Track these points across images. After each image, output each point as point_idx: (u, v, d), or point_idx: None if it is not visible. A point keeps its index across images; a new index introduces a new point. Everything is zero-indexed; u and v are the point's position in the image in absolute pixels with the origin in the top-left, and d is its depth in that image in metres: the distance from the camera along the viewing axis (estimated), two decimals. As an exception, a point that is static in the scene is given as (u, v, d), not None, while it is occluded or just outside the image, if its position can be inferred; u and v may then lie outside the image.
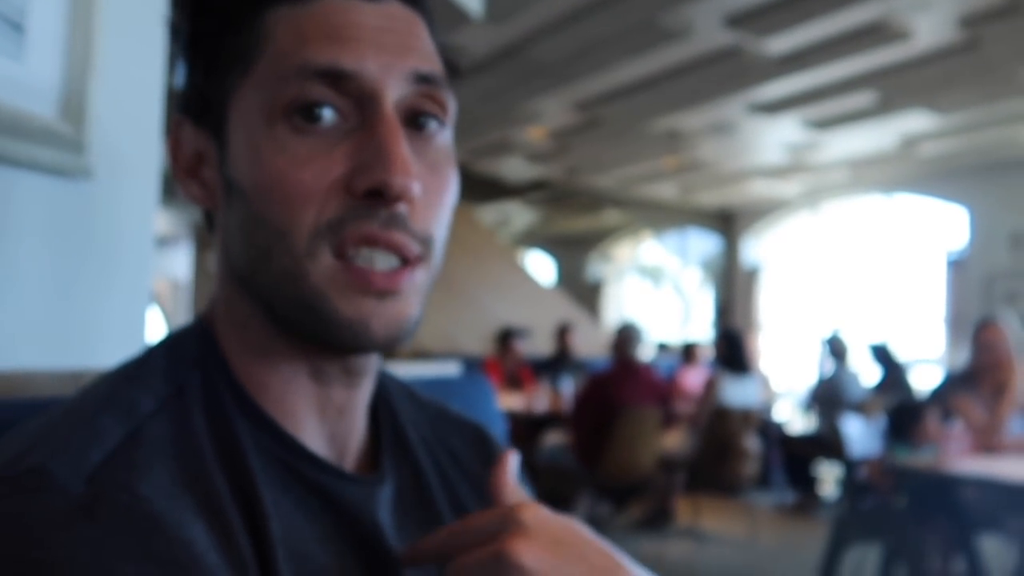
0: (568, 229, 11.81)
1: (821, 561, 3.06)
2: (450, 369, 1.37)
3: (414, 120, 0.49)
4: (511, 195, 9.24)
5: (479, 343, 6.85)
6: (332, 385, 0.51)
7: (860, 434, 3.47)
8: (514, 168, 8.05)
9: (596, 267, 12.29)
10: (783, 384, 7.08)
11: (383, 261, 0.46)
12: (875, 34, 4.46)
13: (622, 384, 4.14)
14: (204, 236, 8.48)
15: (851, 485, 3.24)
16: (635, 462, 4.11)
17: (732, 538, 4.59)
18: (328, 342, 0.47)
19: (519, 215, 10.90)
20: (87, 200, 0.87)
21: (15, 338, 0.81)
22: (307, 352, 0.49)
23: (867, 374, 5.58)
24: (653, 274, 11.84)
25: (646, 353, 4.53)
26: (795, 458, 5.44)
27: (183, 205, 6.77)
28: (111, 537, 0.37)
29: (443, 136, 0.51)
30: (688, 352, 6.07)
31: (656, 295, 11.76)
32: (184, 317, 8.02)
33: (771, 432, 5.51)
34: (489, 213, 10.32)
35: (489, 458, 0.65)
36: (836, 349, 5.51)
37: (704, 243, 10.46)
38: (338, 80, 0.45)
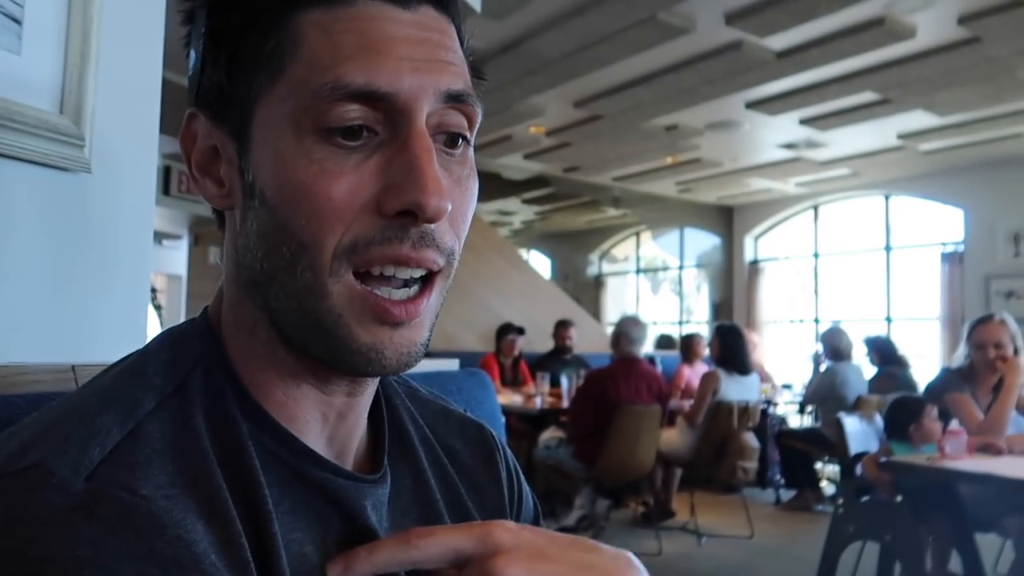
0: (567, 226, 11.82)
1: (819, 558, 3.06)
2: (449, 366, 1.37)
3: (443, 135, 0.48)
4: (511, 192, 9.24)
5: (478, 340, 6.85)
6: (335, 394, 0.51)
7: (858, 431, 3.47)
8: (514, 165, 8.05)
9: (595, 264, 12.30)
10: (781, 381, 7.08)
11: (400, 290, 0.47)
12: (876, 32, 4.46)
13: (621, 381, 4.15)
14: (201, 232, 8.49)
15: (849, 482, 3.24)
16: (634, 459, 4.12)
17: (730, 535, 4.59)
18: (339, 367, 0.48)
19: (518, 212, 10.90)
20: (85, 194, 0.87)
21: (14, 332, 0.81)
22: (311, 365, 0.49)
23: (865, 370, 5.58)
24: (652, 271, 11.85)
25: (647, 347, 4.53)
26: (793, 455, 5.45)
27: (181, 200, 6.77)
28: (111, 536, 0.37)
29: (466, 148, 0.50)
30: (687, 345, 6.07)
31: (655, 292, 11.77)
32: (180, 312, 8.02)
33: (769, 429, 5.51)
34: (488, 210, 10.32)
35: (490, 457, 0.65)
36: (833, 345, 5.51)
37: (703, 240, 10.47)
38: (375, 101, 0.45)
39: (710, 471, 4.57)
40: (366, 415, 0.55)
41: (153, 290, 8.46)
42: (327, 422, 0.52)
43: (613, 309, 11.80)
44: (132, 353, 0.50)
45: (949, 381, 3.15)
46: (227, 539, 0.41)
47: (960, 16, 4.32)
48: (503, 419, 1.17)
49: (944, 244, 8.11)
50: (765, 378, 6.28)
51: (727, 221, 10.16)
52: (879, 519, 2.90)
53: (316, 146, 0.45)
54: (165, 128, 0.91)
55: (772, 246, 9.94)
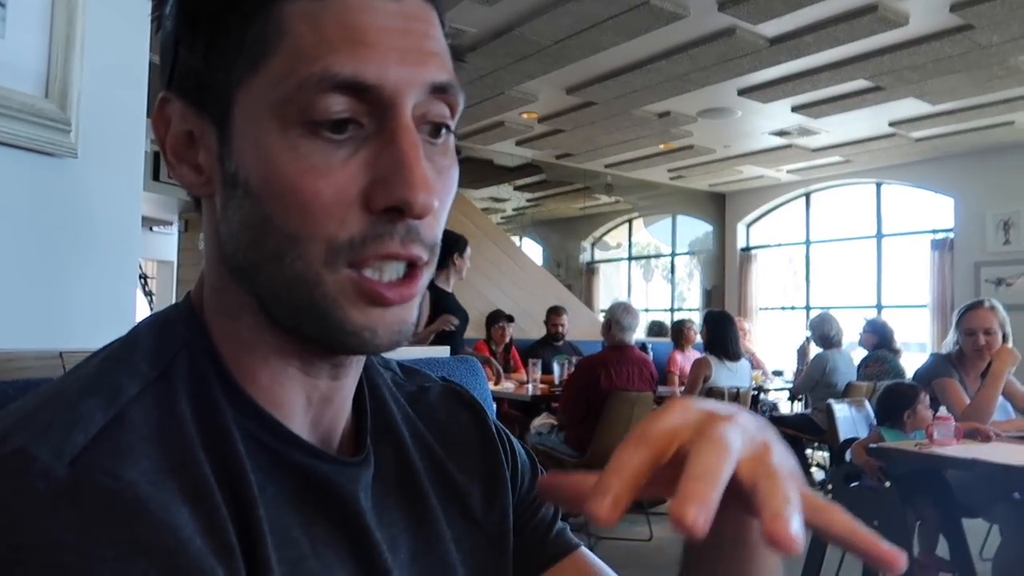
0: (560, 213, 11.81)
1: (807, 543, 3.09)
2: (440, 352, 1.37)
3: (428, 125, 0.48)
4: (503, 178, 9.22)
5: (470, 327, 6.85)
6: (320, 376, 0.51)
7: (848, 417, 3.49)
8: (506, 151, 8.03)
9: (587, 251, 12.30)
10: (772, 367, 7.12)
11: (392, 271, 0.47)
12: (868, 18, 4.45)
13: (613, 367, 4.16)
14: (191, 218, 8.45)
15: (838, 468, 3.27)
16: (625, 445, 4.13)
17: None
18: (332, 347, 0.48)
19: (510, 199, 10.89)
20: (72, 180, 0.86)
21: (0, 319, 0.80)
22: (298, 347, 0.49)
23: (854, 357, 5.62)
24: (644, 258, 11.86)
25: (639, 334, 4.54)
26: (783, 440, 5.48)
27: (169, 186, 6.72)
28: (95, 521, 0.37)
29: (451, 138, 0.50)
30: (679, 332, 6.09)
31: (647, 279, 11.79)
32: (171, 298, 7.98)
33: (759, 415, 5.54)
34: (480, 196, 10.30)
35: (474, 421, 0.66)
36: (822, 333, 5.54)
37: (695, 228, 10.48)
38: (359, 91, 0.44)
39: (701, 457, 4.58)
40: (351, 398, 0.55)
41: (144, 276, 8.43)
42: (312, 406, 0.51)
43: (605, 296, 11.81)
44: (116, 339, 0.50)
45: (938, 366, 3.17)
46: (212, 524, 0.41)
47: (952, 3, 4.32)
48: (495, 406, 1.18)
49: (935, 232, 8.14)
50: (756, 365, 6.31)
51: (719, 208, 10.18)
52: (867, 504, 2.93)
53: (302, 140, 0.44)
54: (152, 112, 0.90)
55: (764, 233, 9.96)
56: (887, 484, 2.85)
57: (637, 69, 5.44)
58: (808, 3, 4.26)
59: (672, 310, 10.98)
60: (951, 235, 7.92)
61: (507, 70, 5.41)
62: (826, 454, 5.60)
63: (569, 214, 11.82)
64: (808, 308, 9.22)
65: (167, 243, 8.63)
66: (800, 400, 6.33)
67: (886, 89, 5.71)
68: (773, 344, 8.72)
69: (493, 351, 5.91)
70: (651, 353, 5.39)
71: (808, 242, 9.41)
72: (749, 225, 10.05)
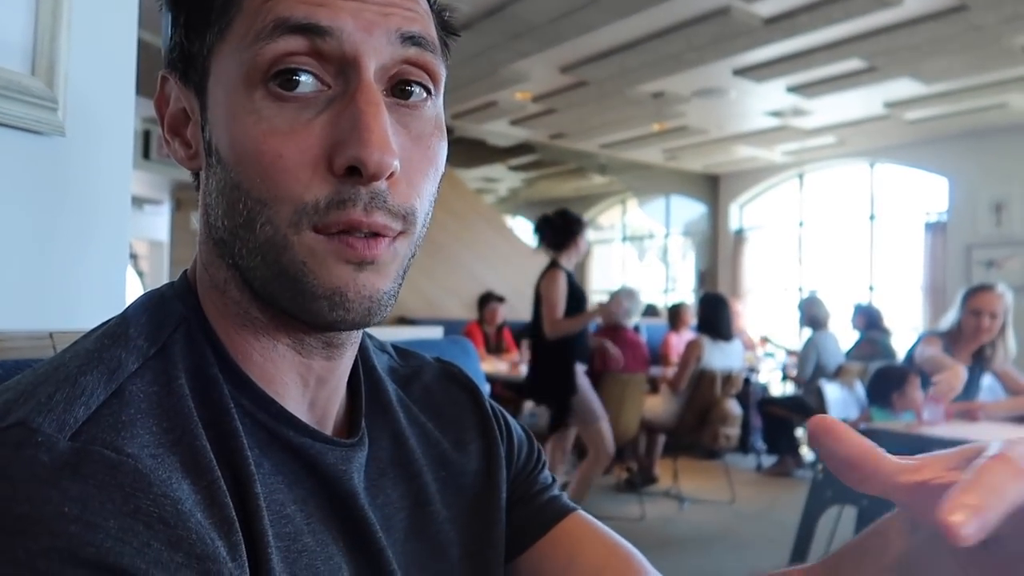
0: (553, 193, 11.78)
1: (798, 522, 3.12)
2: (433, 334, 1.37)
3: (399, 88, 0.47)
4: (496, 159, 9.18)
5: (463, 308, 6.86)
6: (313, 356, 0.51)
7: (839, 398, 3.52)
8: (499, 131, 7.99)
9: (581, 232, 12.28)
10: (765, 349, 7.15)
11: (360, 234, 0.46)
12: (863, -2, 4.43)
13: (607, 350, 4.17)
14: (183, 197, 8.39)
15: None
16: (618, 426, 4.16)
17: (712, 500, 4.67)
18: (303, 316, 0.47)
19: (504, 179, 10.85)
20: (60, 158, 0.85)
21: (-11, 299, 0.80)
22: (285, 322, 0.49)
23: (845, 338, 5.65)
24: (638, 239, 11.86)
25: (637, 317, 4.56)
26: (775, 422, 5.53)
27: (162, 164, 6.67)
28: (97, 493, 0.37)
29: (431, 105, 0.49)
30: (675, 314, 6.11)
31: (641, 261, 11.80)
32: (162, 278, 7.95)
33: (752, 396, 5.58)
34: (473, 177, 10.26)
35: (469, 399, 0.66)
36: (811, 314, 5.56)
37: (689, 208, 10.47)
38: (316, 38, 0.44)
39: (693, 437, 4.63)
40: (346, 380, 0.55)
41: (133, 256, 8.39)
42: (307, 387, 0.52)
43: (599, 277, 11.82)
44: (114, 316, 0.50)
45: (928, 339, 3.18)
46: (212, 498, 0.42)
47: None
48: (488, 387, 1.18)
49: (928, 214, 8.16)
50: (749, 345, 6.34)
51: (713, 189, 10.17)
52: (857, 484, 2.95)
53: (265, 101, 0.44)
54: (142, 90, 0.89)
55: (757, 214, 9.96)
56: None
57: (631, 48, 5.41)
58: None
59: (666, 291, 11.00)
60: (944, 218, 7.94)
61: (500, 49, 5.37)
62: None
63: (563, 194, 11.79)
64: (801, 290, 9.25)
65: (158, 223, 8.58)
66: (791, 381, 6.36)
67: (880, 69, 5.70)
68: (766, 325, 8.74)
69: (486, 332, 5.92)
70: (645, 334, 5.41)
71: (801, 223, 9.42)
72: (743, 206, 10.05)
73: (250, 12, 0.45)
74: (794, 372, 5.92)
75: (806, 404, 5.25)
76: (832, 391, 3.56)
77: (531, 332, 3.76)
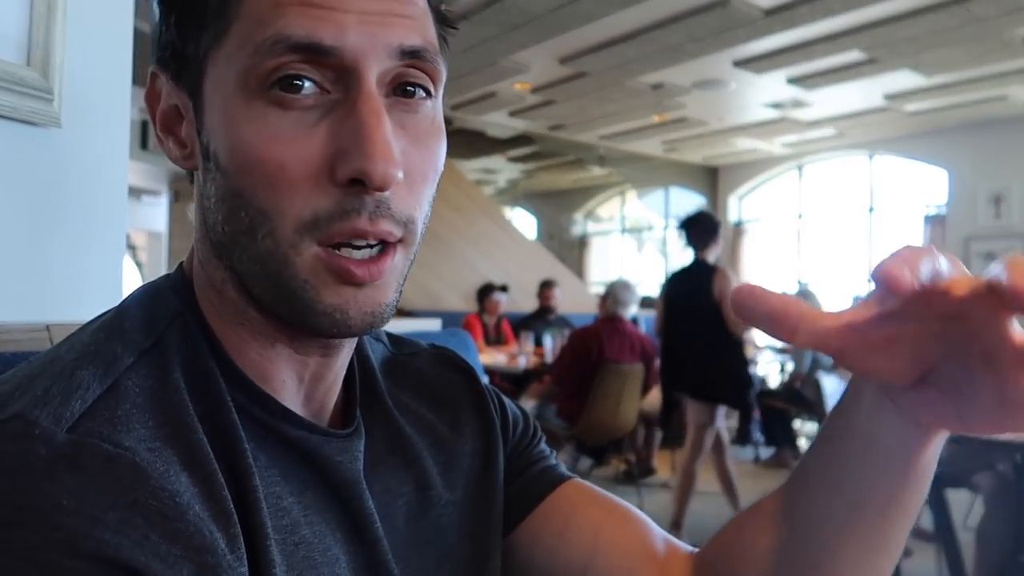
0: (552, 185, 11.76)
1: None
2: (431, 326, 1.37)
3: (400, 87, 0.46)
4: (495, 150, 9.16)
5: (462, 300, 6.86)
6: (310, 355, 0.51)
7: (837, 391, 3.52)
8: (498, 122, 7.97)
9: (580, 223, 12.29)
10: (762, 340, 7.16)
11: (362, 251, 0.45)
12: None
13: (606, 339, 4.17)
14: (181, 188, 8.38)
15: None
16: (616, 418, 4.16)
17: (709, 492, 4.68)
18: (304, 327, 0.47)
19: (503, 170, 10.83)
20: (56, 150, 0.84)
21: (-15, 291, 0.80)
22: (282, 324, 0.49)
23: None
24: (637, 231, 11.85)
25: (634, 309, 4.56)
26: (773, 414, 5.54)
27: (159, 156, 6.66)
28: (95, 485, 0.37)
29: (431, 105, 0.48)
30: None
31: (639, 252, 11.80)
32: (161, 269, 7.95)
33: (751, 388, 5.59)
34: (472, 168, 10.24)
35: (463, 383, 0.66)
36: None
37: (688, 200, 10.47)
38: (317, 55, 0.43)
39: (691, 429, 4.63)
40: (343, 375, 0.55)
41: (132, 247, 8.38)
42: (303, 383, 0.51)
43: (598, 269, 11.83)
44: (110, 309, 0.50)
45: None
46: (209, 491, 0.42)
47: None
48: (487, 378, 1.18)
49: (927, 206, 8.16)
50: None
51: (712, 181, 10.16)
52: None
53: (265, 109, 0.44)
54: (138, 80, 0.89)
55: (757, 206, 9.96)
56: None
57: (630, 39, 5.39)
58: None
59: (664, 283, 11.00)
60: (944, 210, 7.94)
61: (499, 39, 5.35)
62: (815, 426, 5.66)
63: (562, 186, 11.78)
64: (799, 282, 9.25)
65: (157, 213, 8.57)
66: (786, 373, 6.37)
67: (880, 61, 5.69)
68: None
69: (485, 323, 5.92)
70: (643, 326, 5.41)
71: (800, 216, 9.42)
72: (742, 198, 10.04)
73: (249, 20, 0.44)
74: (791, 366, 5.93)
75: (804, 396, 5.26)
76: (829, 384, 3.57)
77: (695, 332, 3.67)
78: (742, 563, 0.56)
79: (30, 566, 0.34)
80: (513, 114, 7.64)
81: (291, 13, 0.43)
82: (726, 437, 3.86)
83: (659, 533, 0.63)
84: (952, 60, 5.63)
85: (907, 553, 2.92)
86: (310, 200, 0.44)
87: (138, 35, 0.94)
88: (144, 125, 6.58)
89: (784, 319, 0.36)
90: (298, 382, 0.51)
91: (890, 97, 6.70)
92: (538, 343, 5.26)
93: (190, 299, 0.50)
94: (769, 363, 6.59)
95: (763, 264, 9.76)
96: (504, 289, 6.06)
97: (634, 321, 4.75)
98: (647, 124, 7.97)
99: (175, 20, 0.47)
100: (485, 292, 6.00)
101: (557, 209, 12.27)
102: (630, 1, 4.68)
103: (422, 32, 0.47)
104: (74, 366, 0.42)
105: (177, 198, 8.63)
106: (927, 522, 2.95)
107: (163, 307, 0.49)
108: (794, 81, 6.27)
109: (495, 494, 0.62)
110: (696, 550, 0.62)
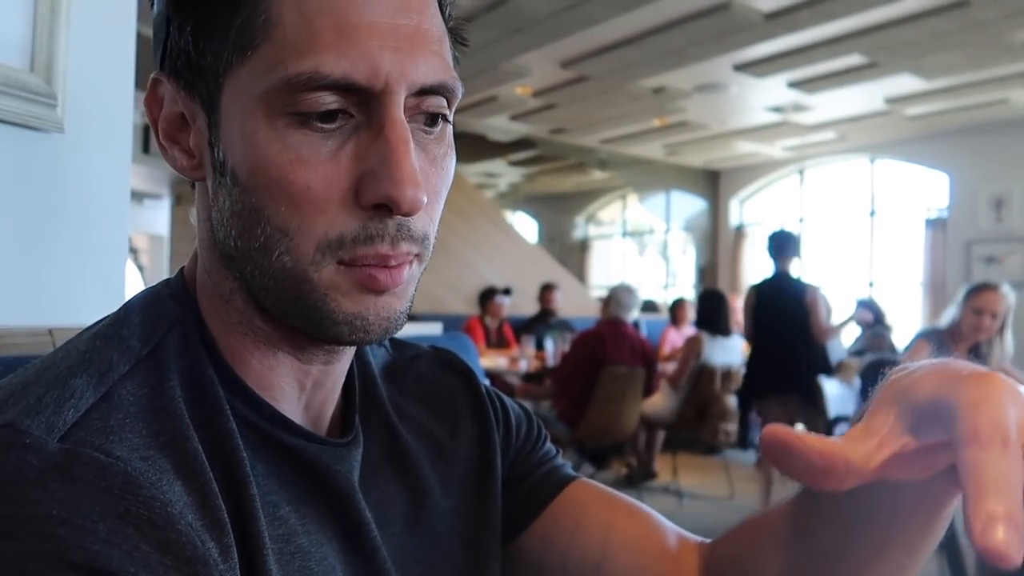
0: (554, 188, 11.77)
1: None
2: (433, 329, 1.37)
3: (422, 115, 0.47)
4: (496, 154, 9.17)
5: (463, 303, 6.85)
6: (313, 362, 0.51)
7: (837, 394, 3.52)
8: (499, 126, 7.97)
9: (581, 227, 12.29)
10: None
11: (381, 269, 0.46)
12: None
13: (608, 341, 4.17)
14: (183, 191, 8.38)
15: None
16: (617, 422, 4.16)
17: (711, 495, 4.68)
18: (323, 337, 0.47)
19: (504, 174, 10.84)
20: (59, 155, 0.85)
21: (-12, 295, 0.80)
22: (289, 333, 0.49)
23: (848, 335, 5.64)
24: (638, 235, 11.85)
25: (635, 313, 4.57)
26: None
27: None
28: (86, 495, 0.37)
29: (445, 125, 0.49)
30: (676, 311, 6.10)
31: (641, 256, 11.80)
32: (163, 272, 7.95)
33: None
34: (474, 172, 10.25)
35: (463, 386, 0.66)
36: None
37: (690, 204, 10.47)
38: (349, 90, 0.43)
39: (692, 433, 4.63)
40: (342, 381, 0.55)
41: (134, 250, 8.38)
42: (304, 390, 0.51)
43: (599, 272, 11.82)
44: (108, 315, 0.49)
45: (927, 338, 3.18)
46: (204, 500, 0.41)
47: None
48: (488, 382, 1.18)
49: (928, 210, 8.15)
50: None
51: (713, 185, 10.16)
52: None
53: (289, 130, 0.43)
54: (140, 84, 0.89)
55: (758, 210, 9.95)
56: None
57: (632, 43, 5.40)
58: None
59: (666, 287, 11.00)
60: (945, 214, 7.93)
61: (500, 43, 5.36)
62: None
63: (563, 190, 11.78)
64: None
65: (159, 217, 8.57)
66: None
67: (881, 65, 5.69)
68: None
69: (487, 326, 5.91)
70: (644, 330, 5.41)
71: (801, 219, 9.42)
72: (743, 202, 10.04)
73: (281, 45, 0.43)
74: None
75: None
76: (830, 387, 3.56)
77: (788, 337, 4.03)
78: None
79: None
80: (514, 118, 7.65)
81: (327, 49, 0.42)
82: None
83: (670, 527, 0.62)
84: (953, 64, 5.63)
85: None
86: (336, 222, 0.44)
87: (140, 40, 0.95)
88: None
89: (828, 476, 0.34)
90: (299, 390, 0.51)
91: (891, 101, 6.70)
92: (539, 346, 5.25)
93: (190, 305, 0.50)
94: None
95: (764, 268, 9.74)
96: (507, 292, 6.06)
97: (635, 325, 4.76)
98: (648, 128, 7.97)
99: (191, 29, 0.46)
100: (488, 295, 6.00)
101: (558, 213, 12.27)
102: (631, 5, 4.69)
103: (443, 62, 0.47)
104: (68, 374, 0.42)
105: (179, 201, 8.63)
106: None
107: (162, 314, 0.49)
108: (795, 85, 6.27)
109: (493, 500, 0.61)
110: (706, 541, 0.61)
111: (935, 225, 8.01)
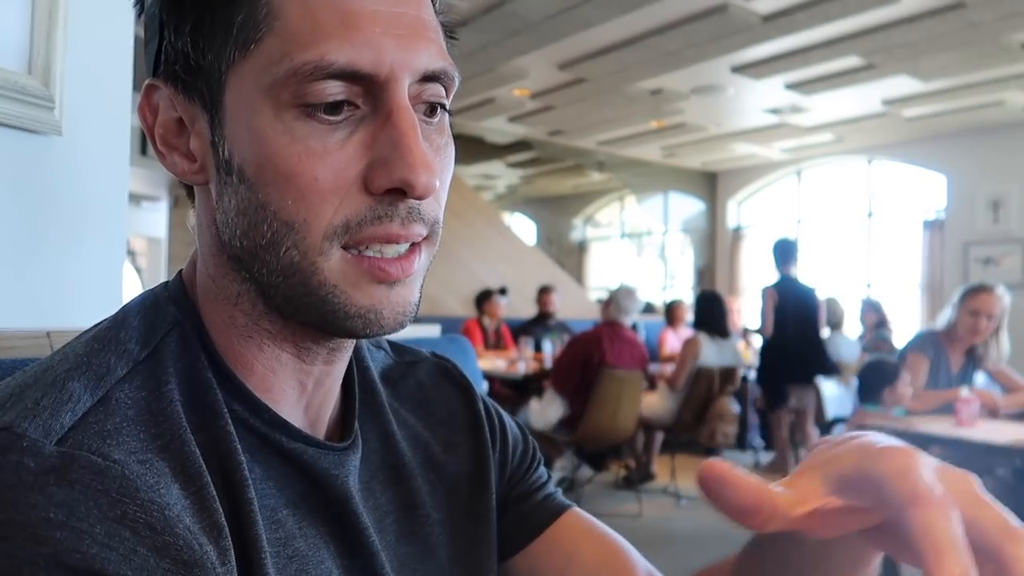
0: (552, 190, 11.77)
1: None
2: (431, 331, 1.37)
3: (423, 105, 0.47)
4: (494, 155, 9.17)
5: (461, 305, 6.85)
6: (315, 362, 0.51)
7: (835, 395, 3.52)
8: (497, 128, 7.98)
9: (579, 229, 12.29)
10: (750, 341, 7.14)
11: (392, 251, 0.46)
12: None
13: (607, 344, 4.17)
14: (180, 194, 8.38)
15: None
16: (615, 424, 4.16)
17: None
18: (336, 331, 0.47)
19: (502, 176, 10.84)
20: (57, 158, 0.85)
21: (-14, 298, 0.80)
22: (295, 332, 0.49)
23: (854, 338, 5.65)
24: (636, 236, 11.85)
25: (636, 316, 4.58)
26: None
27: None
28: (84, 498, 0.37)
29: (446, 116, 0.50)
30: (671, 312, 6.11)
31: (639, 258, 11.80)
32: (160, 275, 7.94)
33: (749, 393, 5.59)
34: (472, 173, 10.25)
35: (461, 397, 0.66)
36: (833, 315, 5.53)
37: (688, 205, 10.48)
38: (354, 80, 0.44)
39: (690, 434, 4.63)
40: (341, 381, 0.55)
41: (131, 252, 8.37)
42: (304, 391, 0.51)
43: (597, 274, 11.82)
44: (106, 319, 0.49)
45: (924, 341, 3.18)
46: (201, 503, 0.41)
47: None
48: (485, 384, 1.18)
49: (926, 211, 8.16)
50: (748, 342, 6.34)
51: (711, 186, 10.17)
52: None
53: (297, 122, 0.44)
54: (138, 87, 0.89)
55: (755, 212, 9.96)
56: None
57: (629, 45, 5.40)
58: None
59: (664, 288, 11.00)
60: (943, 216, 7.94)
61: (498, 45, 5.36)
62: (815, 430, 5.65)
63: (561, 191, 11.79)
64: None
65: (156, 219, 8.55)
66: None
67: (878, 67, 5.70)
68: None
69: (485, 328, 5.91)
70: (642, 332, 5.41)
71: (799, 221, 9.42)
72: (741, 203, 10.05)
73: (284, 37, 0.43)
74: None
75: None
76: (828, 388, 3.57)
77: (804, 331, 4.94)
78: None
79: None
80: (512, 120, 7.65)
81: (331, 38, 0.43)
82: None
83: (645, 569, 0.63)
84: (950, 65, 5.64)
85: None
86: (341, 208, 0.44)
87: (138, 43, 0.95)
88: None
89: (756, 514, 0.36)
90: (300, 391, 0.51)
91: (888, 102, 6.71)
92: (537, 348, 5.26)
93: (189, 309, 0.50)
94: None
95: (762, 269, 9.75)
96: (503, 292, 6.06)
97: (634, 327, 4.76)
98: (646, 129, 7.98)
99: (190, 29, 0.46)
100: (485, 296, 6.00)
101: (556, 214, 12.27)
102: (629, 7, 4.69)
103: (441, 50, 0.48)
104: (66, 377, 0.42)
105: (177, 204, 8.61)
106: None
107: (160, 317, 0.49)
108: (792, 87, 6.28)
109: (487, 515, 0.62)
110: None
111: (932, 226, 8.02)
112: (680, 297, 6.92)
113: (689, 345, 4.61)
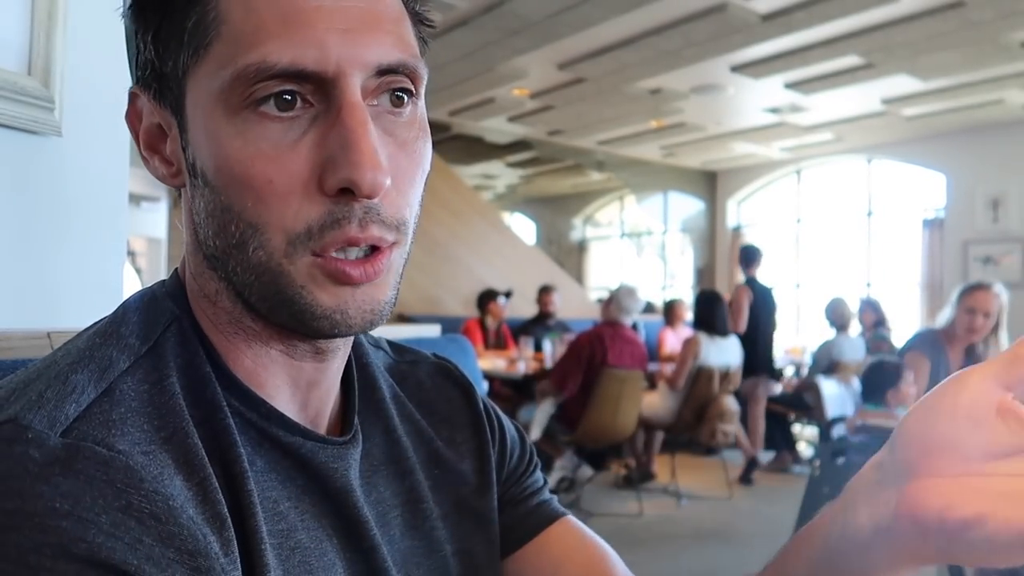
0: (551, 190, 11.77)
1: (795, 519, 3.13)
2: (430, 331, 1.37)
3: (386, 95, 0.47)
4: (494, 155, 9.17)
5: (462, 305, 6.85)
6: (304, 360, 0.51)
7: (835, 395, 3.52)
8: (497, 128, 7.98)
9: (579, 228, 12.29)
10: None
11: (354, 253, 0.46)
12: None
13: (608, 343, 4.17)
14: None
15: (826, 445, 3.30)
16: (615, 423, 4.16)
17: (709, 496, 4.68)
18: (307, 331, 0.47)
19: (502, 175, 10.84)
20: (57, 158, 0.85)
21: (-14, 299, 0.80)
22: (277, 331, 0.49)
23: (859, 339, 5.65)
24: (636, 236, 11.86)
25: (636, 315, 4.58)
26: (772, 417, 5.54)
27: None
28: (89, 488, 0.37)
29: (413, 107, 0.48)
30: (670, 311, 6.11)
31: (639, 257, 11.80)
32: (160, 275, 7.93)
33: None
34: (471, 173, 10.25)
35: (462, 397, 0.66)
36: (837, 316, 5.53)
37: (687, 205, 10.48)
38: (299, 79, 0.43)
39: (691, 434, 4.63)
40: (339, 381, 0.55)
41: (131, 253, 8.37)
42: (298, 389, 0.52)
43: (597, 274, 11.82)
44: (106, 315, 0.50)
45: (922, 340, 3.19)
46: (204, 495, 0.42)
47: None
48: (485, 384, 1.18)
49: (925, 210, 8.16)
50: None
51: (711, 186, 10.17)
52: (854, 480, 2.96)
53: (248, 125, 0.44)
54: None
55: (755, 211, 9.96)
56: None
57: (629, 45, 5.40)
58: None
59: (664, 288, 11.00)
60: (942, 214, 7.95)
61: (497, 45, 5.36)
62: (815, 430, 5.66)
63: (561, 191, 11.79)
64: (797, 286, 9.25)
65: (155, 219, 8.55)
66: (794, 375, 6.37)
67: (878, 66, 5.70)
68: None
69: (486, 328, 5.91)
70: (642, 332, 5.41)
71: (799, 220, 9.43)
72: (740, 202, 10.05)
73: (229, 41, 0.43)
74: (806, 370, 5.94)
75: (803, 400, 5.26)
76: (828, 387, 3.57)
77: (770, 331, 5.57)
78: None
79: (22, 569, 0.34)
80: (512, 119, 7.65)
81: (273, 38, 0.43)
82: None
83: None
84: (949, 64, 5.64)
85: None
86: (300, 212, 0.44)
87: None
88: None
89: None
90: (293, 388, 0.51)
91: (888, 101, 6.72)
92: (537, 348, 5.26)
93: (185, 305, 0.50)
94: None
95: (761, 268, 9.74)
96: (508, 295, 6.06)
97: (634, 327, 4.76)
98: (645, 129, 7.98)
99: (152, 38, 0.46)
100: (488, 297, 5.99)
101: (556, 214, 12.27)
102: (628, 7, 4.70)
103: (401, 41, 0.47)
104: (69, 370, 0.43)
105: (176, 204, 8.62)
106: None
107: (159, 312, 0.49)
108: (792, 86, 6.28)
109: (490, 514, 0.62)
110: None
111: (932, 225, 8.03)
112: (678, 296, 6.92)
113: (689, 344, 4.61)
